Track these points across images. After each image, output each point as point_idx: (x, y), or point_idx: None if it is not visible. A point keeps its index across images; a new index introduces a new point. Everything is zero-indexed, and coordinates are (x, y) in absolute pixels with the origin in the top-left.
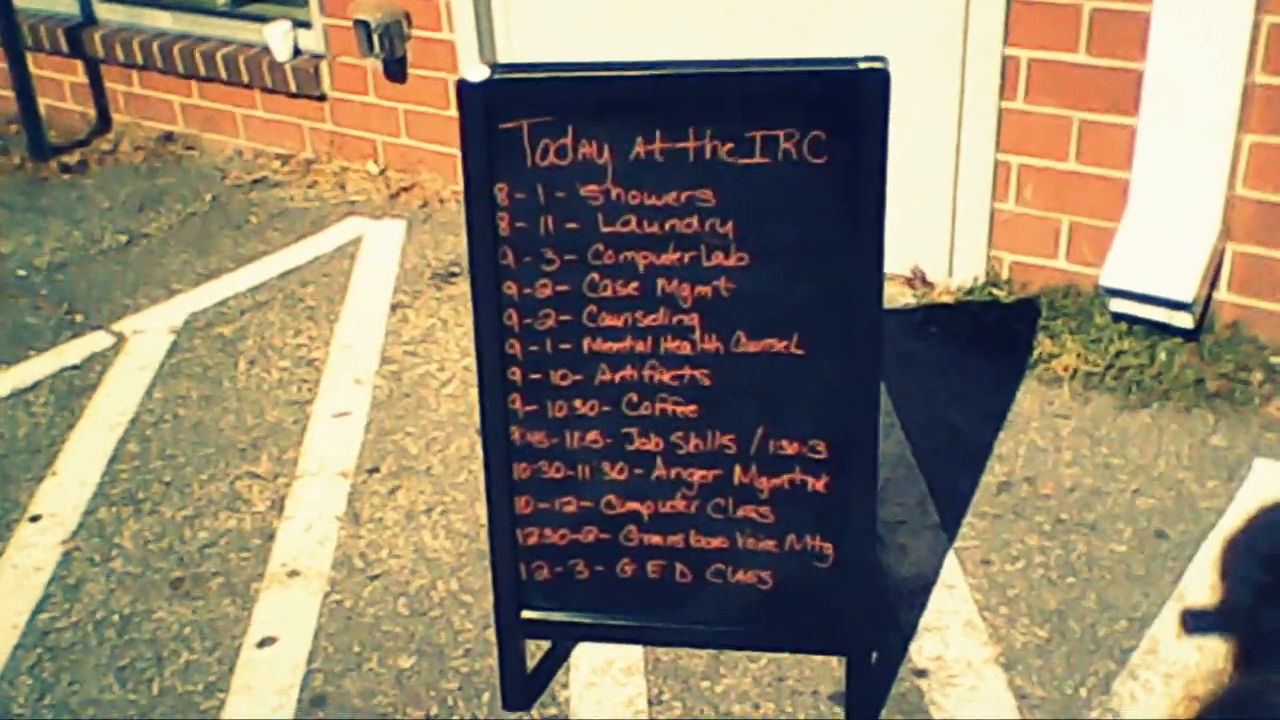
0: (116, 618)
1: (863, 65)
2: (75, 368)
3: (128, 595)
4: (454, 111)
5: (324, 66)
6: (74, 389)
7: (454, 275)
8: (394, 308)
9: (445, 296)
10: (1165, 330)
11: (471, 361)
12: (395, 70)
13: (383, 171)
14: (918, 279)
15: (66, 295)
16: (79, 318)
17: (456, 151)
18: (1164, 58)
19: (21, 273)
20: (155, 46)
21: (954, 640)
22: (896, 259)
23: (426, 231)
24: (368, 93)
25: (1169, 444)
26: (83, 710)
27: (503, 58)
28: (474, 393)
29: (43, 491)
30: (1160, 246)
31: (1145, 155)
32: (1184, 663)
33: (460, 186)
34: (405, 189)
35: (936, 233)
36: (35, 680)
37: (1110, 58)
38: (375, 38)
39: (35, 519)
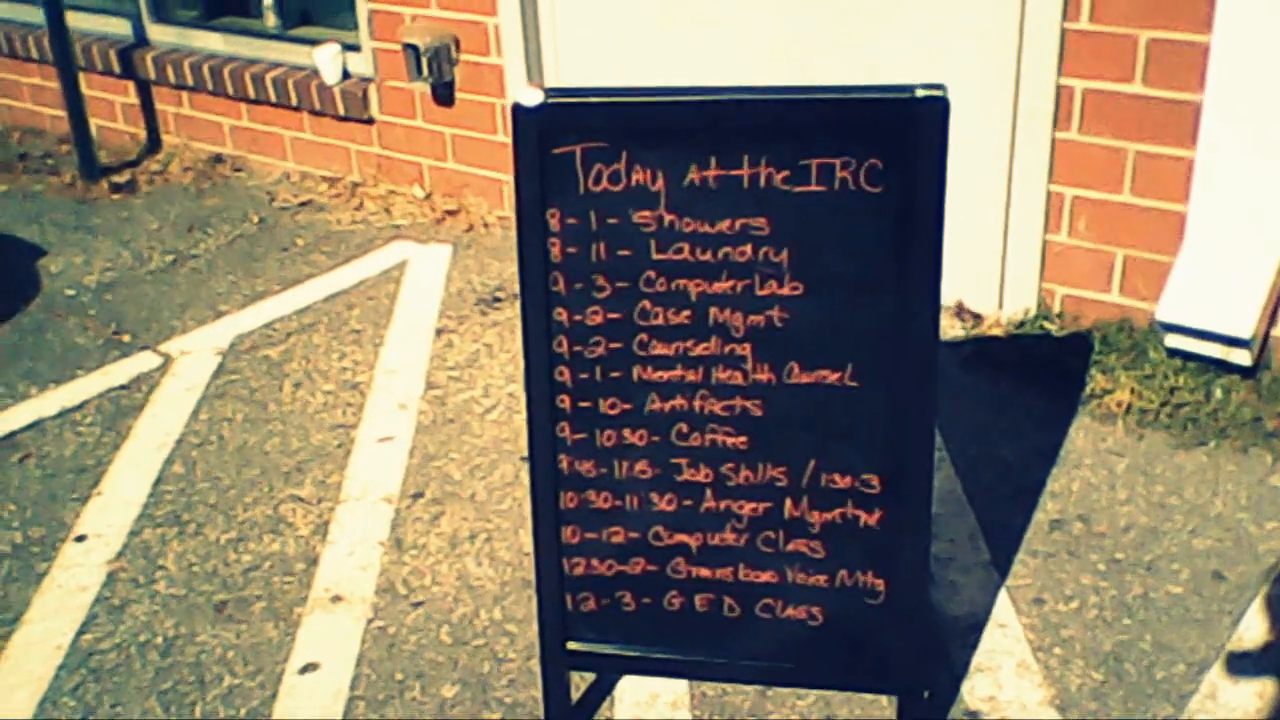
0: (160, 640)
1: (921, 92)
2: (122, 388)
3: (172, 618)
4: (501, 136)
5: (372, 90)
6: (121, 409)
7: (499, 300)
8: (439, 332)
9: (490, 322)
10: (1222, 367)
11: (516, 387)
12: (443, 94)
13: (429, 195)
14: (967, 311)
15: (114, 315)
16: (126, 338)
17: (503, 176)
18: (1224, 89)
19: (70, 292)
20: (206, 68)
21: (1007, 681)
22: (946, 290)
23: (472, 256)
24: (415, 117)
25: (1226, 483)
26: None
27: (550, 83)
28: (518, 419)
29: (89, 511)
30: (1218, 281)
31: (1203, 188)
32: (1243, 708)
33: (506, 211)
34: (451, 213)
35: (987, 264)
36: (78, 702)
37: (1167, 89)
38: (424, 62)
39: (81, 539)
